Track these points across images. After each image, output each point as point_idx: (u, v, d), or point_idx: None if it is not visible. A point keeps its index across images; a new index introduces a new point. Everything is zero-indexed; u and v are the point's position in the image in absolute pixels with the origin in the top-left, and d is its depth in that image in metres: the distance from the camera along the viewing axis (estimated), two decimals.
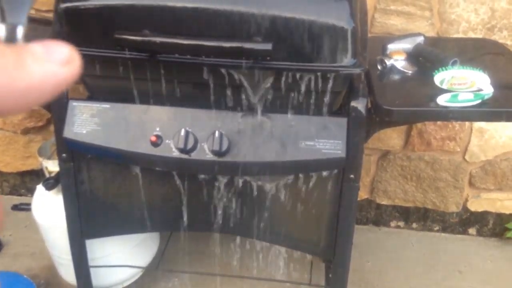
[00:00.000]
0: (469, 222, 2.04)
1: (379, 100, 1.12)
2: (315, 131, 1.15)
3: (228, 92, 1.13)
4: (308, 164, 1.16)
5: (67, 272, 1.53)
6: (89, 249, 1.44)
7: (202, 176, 1.24)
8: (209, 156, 1.16)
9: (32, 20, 1.53)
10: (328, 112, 1.17)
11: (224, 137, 1.14)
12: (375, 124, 1.18)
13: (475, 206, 1.98)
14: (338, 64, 1.06)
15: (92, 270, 1.48)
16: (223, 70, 1.08)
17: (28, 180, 2.16)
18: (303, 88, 1.09)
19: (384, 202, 2.02)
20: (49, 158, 1.51)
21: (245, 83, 1.11)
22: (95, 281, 1.50)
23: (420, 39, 1.34)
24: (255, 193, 1.26)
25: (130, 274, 1.62)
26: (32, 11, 1.73)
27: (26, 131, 2.01)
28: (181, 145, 1.15)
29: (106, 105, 1.20)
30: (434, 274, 1.86)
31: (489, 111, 1.11)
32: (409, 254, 1.96)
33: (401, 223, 2.09)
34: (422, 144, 1.85)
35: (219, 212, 1.31)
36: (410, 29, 1.63)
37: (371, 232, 2.07)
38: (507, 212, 1.97)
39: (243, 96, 1.13)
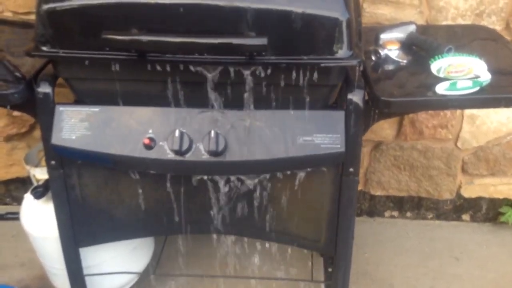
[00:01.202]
0: (462, 208, 2.04)
1: (377, 92, 1.09)
2: (312, 126, 1.13)
3: (222, 90, 1.10)
4: (307, 160, 1.13)
5: (61, 281, 1.49)
6: (83, 257, 1.39)
7: (197, 177, 1.21)
8: (205, 157, 1.12)
9: (10, 23, 1.47)
10: (325, 106, 1.15)
11: (220, 137, 1.11)
12: (373, 116, 1.16)
13: (468, 192, 1.99)
14: (335, 57, 1.03)
15: (87, 279, 1.44)
16: (215, 68, 1.05)
17: (13, 188, 2.09)
18: (299, 82, 1.07)
19: (378, 192, 2.01)
20: (36, 165, 1.46)
21: (239, 80, 1.07)
22: None
23: (412, 28, 1.32)
24: (253, 191, 1.23)
25: (126, 280, 1.58)
26: (9, 14, 1.67)
27: (8, 138, 1.94)
28: (176, 147, 1.11)
29: (95, 109, 1.15)
30: (431, 263, 1.86)
31: (488, 97, 1.10)
32: (405, 243, 1.96)
33: (395, 213, 2.08)
34: (414, 133, 1.84)
35: (217, 212, 1.28)
36: (399, 18, 1.61)
37: (365, 223, 2.06)
38: (500, 196, 1.98)
39: (238, 93, 1.10)
